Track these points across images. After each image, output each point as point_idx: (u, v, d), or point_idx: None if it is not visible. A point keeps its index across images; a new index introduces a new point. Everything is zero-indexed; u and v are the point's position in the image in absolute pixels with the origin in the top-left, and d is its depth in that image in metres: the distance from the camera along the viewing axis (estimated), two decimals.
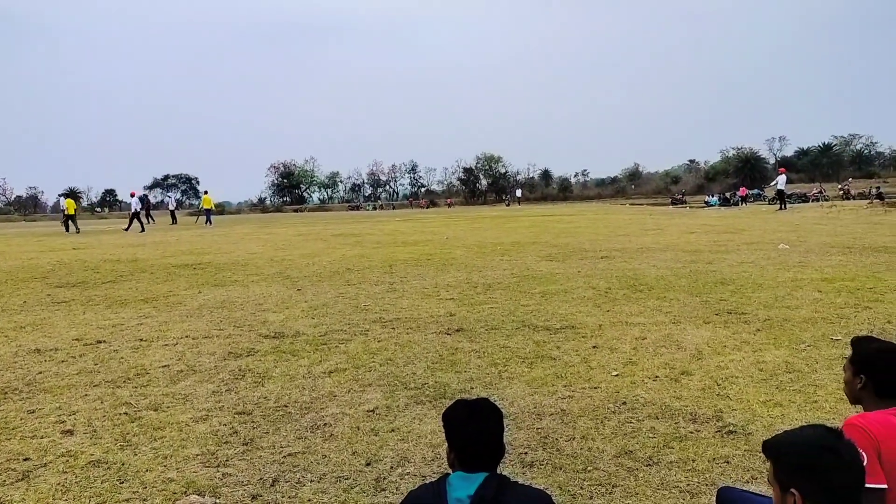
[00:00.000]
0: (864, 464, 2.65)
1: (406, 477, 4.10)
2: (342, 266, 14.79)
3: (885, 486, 2.65)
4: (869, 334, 3.21)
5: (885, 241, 16.45)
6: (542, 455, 4.32)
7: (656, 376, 5.92)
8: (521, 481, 3.87)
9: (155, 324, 8.81)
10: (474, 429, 2.34)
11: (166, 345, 7.62)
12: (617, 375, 5.99)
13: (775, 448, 2.01)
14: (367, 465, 4.33)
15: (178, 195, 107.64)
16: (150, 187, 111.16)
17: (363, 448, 4.59)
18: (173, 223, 42.52)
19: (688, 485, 3.83)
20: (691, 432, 4.61)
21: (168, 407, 5.52)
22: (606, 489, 3.82)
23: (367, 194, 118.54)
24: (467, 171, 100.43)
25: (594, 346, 6.98)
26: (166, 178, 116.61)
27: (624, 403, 5.24)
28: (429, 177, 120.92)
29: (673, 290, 10.16)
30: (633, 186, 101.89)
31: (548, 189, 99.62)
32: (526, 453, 4.37)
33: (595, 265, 13.50)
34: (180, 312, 9.59)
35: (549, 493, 2.64)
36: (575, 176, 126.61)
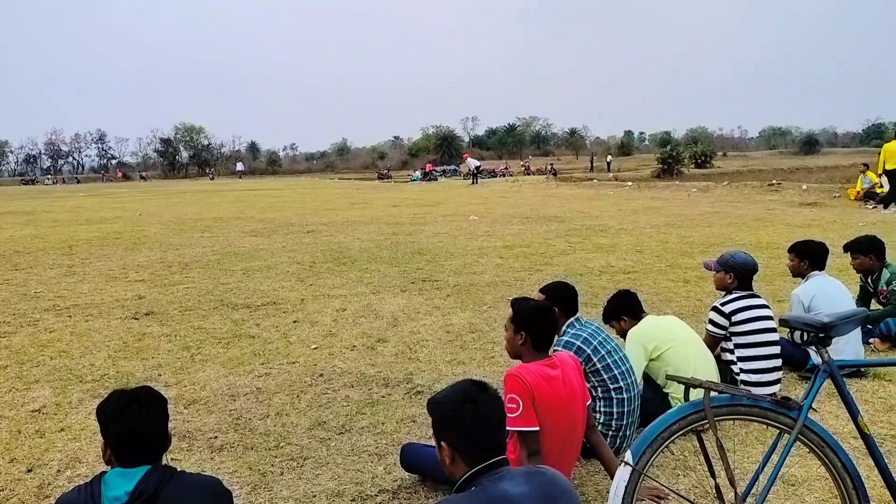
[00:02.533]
0: (519, 412, 2.96)
1: (76, 479, 3.66)
2: (9, 248, 12.85)
3: (537, 428, 2.98)
4: (526, 296, 3.56)
5: (556, 211, 18.77)
6: (233, 437, 4.16)
7: (354, 346, 6.05)
8: (207, 468, 3.71)
9: None
10: (132, 420, 2.13)
11: None
12: (316, 348, 6.00)
13: (430, 405, 2.13)
14: (29, 471, 3.79)
15: None
16: None
17: (24, 453, 4.02)
18: None
19: (377, 448, 3.96)
20: (383, 397, 4.79)
21: None
22: (298, 463, 3.79)
23: (45, 167, 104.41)
24: (165, 142, 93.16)
25: (295, 321, 6.93)
26: None
27: (321, 375, 5.27)
28: (121, 148, 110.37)
29: (375, 262, 10.50)
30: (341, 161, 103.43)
31: (256, 163, 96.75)
32: (216, 437, 4.17)
33: (301, 240, 13.44)
34: None
35: (220, 477, 2.51)
36: (284, 150, 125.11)
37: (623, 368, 3.68)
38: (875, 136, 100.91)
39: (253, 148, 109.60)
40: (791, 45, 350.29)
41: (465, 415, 1.98)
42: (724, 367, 4.50)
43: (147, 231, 15.67)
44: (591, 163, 62.10)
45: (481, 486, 1.89)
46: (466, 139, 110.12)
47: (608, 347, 3.69)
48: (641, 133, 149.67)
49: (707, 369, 4.15)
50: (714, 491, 2.44)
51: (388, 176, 58.67)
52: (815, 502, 3.22)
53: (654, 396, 4.09)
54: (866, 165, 20.18)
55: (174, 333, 6.57)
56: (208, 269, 10.09)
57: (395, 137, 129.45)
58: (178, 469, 2.24)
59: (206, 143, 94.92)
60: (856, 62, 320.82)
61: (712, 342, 4.50)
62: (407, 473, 3.59)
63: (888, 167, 16.49)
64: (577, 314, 3.83)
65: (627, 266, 9.77)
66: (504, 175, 51.22)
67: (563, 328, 3.74)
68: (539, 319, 3.19)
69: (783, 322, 2.52)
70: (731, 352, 4.47)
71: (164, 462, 2.24)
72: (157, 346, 6.15)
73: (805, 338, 2.44)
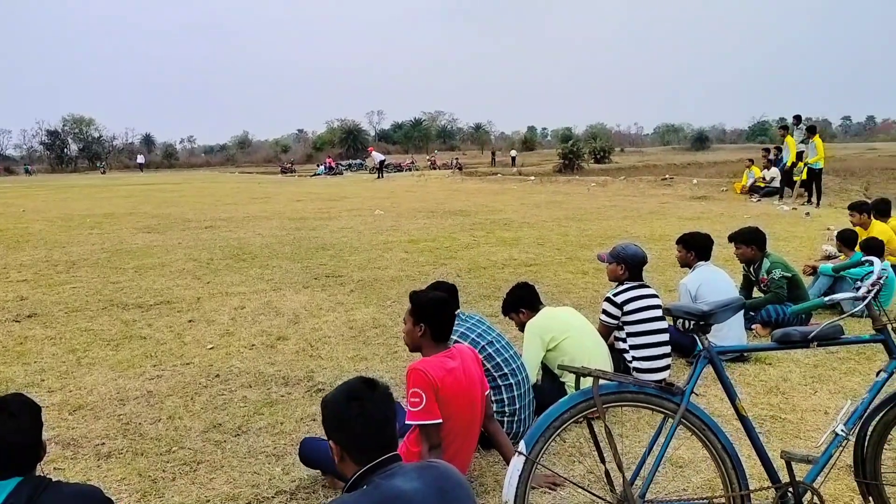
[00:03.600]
0: (422, 406, 2.95)
1: None
2: None
3: (440, 420, 2.99)
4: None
5: (461, 205, 18.92)
6: (121, 443, 3.96)
7: (253, 345, 5.89)
8: (93, 477, 3.52)
9: None
10: (1, 430, 1.99)
11: None
12: (212, 348, 5.81)
13: (321, 404, 2.09)
14: None
15: None
16: None
17: None
18: None
19: (275, 448, 3.87)
20: (282, 396, 4.69)
21: None
22: (191, 467, 3.65)
23: None
24: (52, 134, 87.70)
25: (190, 321, 6.68)
26: None
27: (217, 376, 5.10)
28: (3, 140, 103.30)
29: (276, 258, 10.26)
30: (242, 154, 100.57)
31: (151, 156, 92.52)
32: (103, 444, 3.96)
33: (198, 236, 12.97)
34: None
35: (107, 486, 2.39)
36: (181, 142, 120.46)
37: (506, 355, 3.78)
38: (760, 132, 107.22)
39: (148, 140, 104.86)
40: (682, 46, 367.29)
41: (351, 414, 1.95)
42: (617, 355, 4.66)
43: (31, 228, 14.74)
44: (493, 158, 62.77)
45: (373, 485, 1.87)
46: (372, 133, 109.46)
47: (489, 338, 3.78)
48: (544, 129, 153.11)
49: (601, 358, 4.28)
50: (604, 476, 2.51)
51: (291, 170, 57.55)
52: (700, 482, 3.37)
53: (551, 386, 4.19)
54: (751, 161, 21.40)
55: (59, 336, 6.20)
56: (97, 268, 9.58)
57: (299, 131, 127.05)
58: (56, 479, 2.11)
59: (96, 135, 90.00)
60: (743, 63, 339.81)
61: (606, 331, 4.65)
62: (306, 473, 3.53)
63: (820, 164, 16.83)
64: (459, 309, 3.90)
65: (529, 259, 9.97)
66: (410, 169, 51.25)
67: None
68: (438, 311, 3.19)
69: (666, 311, 2.62)
70: (624, 340, 4.63)
71: (38, 472, 2.11)
72: (40, 350, 5.79)
73: (687, 325, 2.54)
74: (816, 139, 16.62)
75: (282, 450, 3.85)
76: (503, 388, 3.76)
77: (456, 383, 3.07)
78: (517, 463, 2.40)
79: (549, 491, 3.31)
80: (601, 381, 2.45)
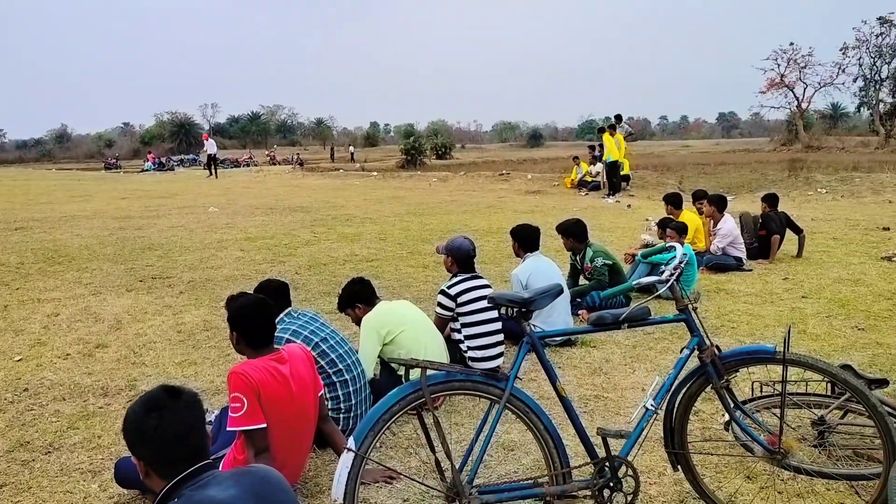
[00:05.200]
0: (244, 411, 2.83)
1: None
2: None
3: (264, 425, 2.88)
4: (243, 291, 3.40)
5: (302, 201, 18.53)
6: None
7: (68, 354, 5.41)
8: None
9: None
10: None
11: None
12: (20, 360, 5.28)
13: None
14: None
15: None
16: None
17: None
18: None
19: (91, 464, 3.57)
20: (100, 408, 4.34)
21: None
22: None
23: None
24: None
25: None
26: None
27: (26, 390, 4.64)
28: None
29: (97, 260, 9.51)
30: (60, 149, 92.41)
31: None
32: None
33: (7, 238, 11.74)
34: None
35: None
36: None
37: (341, 351, 3.75)
38: (588, 130, 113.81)
39: None
40: (519, 46, 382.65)
41: (150, 426, 1.81)
42: (454, 346, 4.75)
43: None
44: (332, 154, 61.74)
45: (184, 498, 1.75)
46: (206, 127, 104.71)
47: (322, 334, 3.75)
48: (387, 124, 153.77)
49: (437, 350, 4.34)
50: (434, 465, 2.53)
51: (116, 166, 53.79)
52: (530, 463, 3.50)
53: (389, 380, 4.18)
54: (577, 158, 22.67)
55: None
56: None
57: (124, 124, 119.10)
58: None
59: None
60: (573, 66, 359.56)
61: (441, 323, 4.72)
62: (125, 489, 3.28)
63: (612, 158, 18.15)
64: (291, 307, 3.81)
65: (371, 254, 9.94)
66: (248, 165, 49.52)
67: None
68: (248, 317, 3.05)
69: (490, 300, 2.69)
70: (459, 331, 4.72)
71: None
72: None
73: (510, 313, 2.61)
74: (606, 136, 18.01)
75: (99, 465, 3.56)
76: (338, 384, 3.71)
77: (283, 387, 2.97)
78: (346, 459, 2.36)
79: (385, 485, 3.30)
80: (430, 372, 2.46)
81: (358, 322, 4.41)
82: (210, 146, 35.03)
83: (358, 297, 4.43)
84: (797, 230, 9.18)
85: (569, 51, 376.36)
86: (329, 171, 34.98)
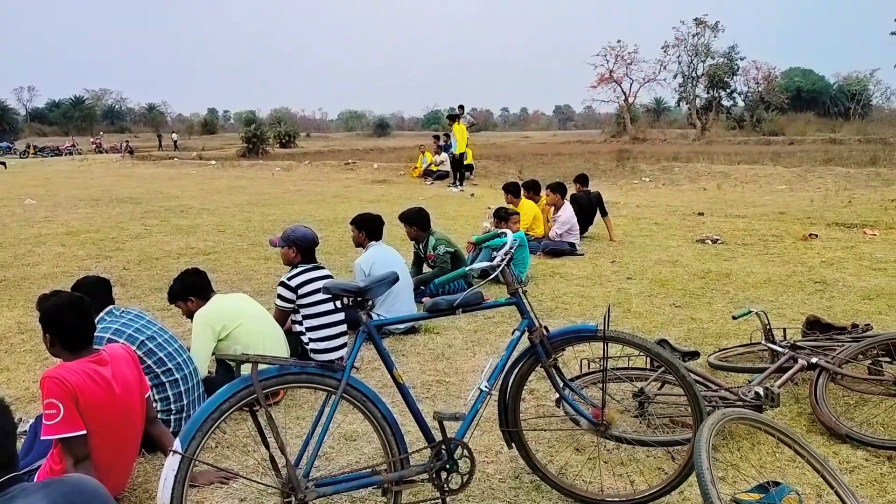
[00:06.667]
0: (60, 418, 2.61)
1: None
2: None
3: (83, 431, 2.67)
4: (56, 289, 3.12)
5: (131, 192, 17.39)
6: None
7: None
8: None
9: None
10: None
11: None
12: None
13: None
14: None
15: None
16: None
17: None
18: None
19: None
20: None
21: None
22: None
23: None
24: None
25: None
26: None
27: None
28: None
29: None
30: None
31: None
32: None
33: None
34: None
35: None
36: None
37: (170, 349, 3.57)
38: (434, 120, 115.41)
39: None
40: (364, 35, 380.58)
41: None
42: (295, 339, 4.65)
43: None
44: (160, 141, 57.87)
45: None
46: (23, 112, 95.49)
47: (149, 332, 3.54)
48: (226, 111, 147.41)
49: (277, 344, 4.23)
50: (269, 462, 2.47)
51: None
52: (372, 451, 3.51)
53: (225, 378, 4.00)
54: (423, 147, 22.94)
55: None
56: None
57: None
58: None
59: None
60: (419, 56, 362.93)
61: (282, 316, 4.61)
62: None
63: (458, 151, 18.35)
64: (113, 304, 3.58)
65: (208, 247, 9.52)
66: (71, 153, 45.74)
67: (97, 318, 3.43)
68: (61, 317, 2.80)
69: (325, 290, 2.65)
70: (301, 323, 4.63)
71: None
72: None
73: (346, 302, 2.59)
74: (457, 126, 18.34)
75: None
76: (168, 384, 3.52)
77: (104, 391, 2.77)
78: (172, 462, 2.24)
79: (221, 486, 3.18)
80: (262, 367, 2.39)
81: (190, 316, 4.20)
82: None
83: (191, 289, 4.22)
84: (604, 212, 9.87)
85: (415, 41, 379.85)
86: (163, 160, 33.11)
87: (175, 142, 55.02)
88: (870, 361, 4.15)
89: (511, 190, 9.30)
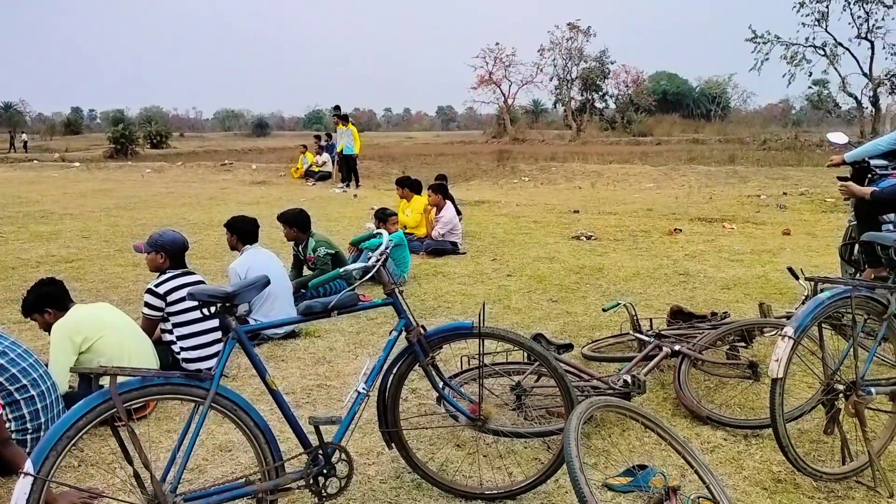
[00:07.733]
0: None
1: None
2: None
3: None
4: None
5: None
6: None
7: None
8: None
9: None
10: None
11: None
12: None
13: None
14: None
15: None
16: None
17: None
18: None
19: None
20: None
21: None
22: None
23: None
24: None
25: None
26: None
27: None
28: None
29: None
30: None
31: None
32: None
33: None
34: None
35: None
36: None
37: (24, 364, 3.34)
38: (315, 120, 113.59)
39: None
40: (244, 28, 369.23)
41: None
42: (165, 348, 4.44)
43: None
44: (12, 142, 53.21)
45: None
46: None
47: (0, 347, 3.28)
48: (92, 110, 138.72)
49: (144, 355, 4.04)
50: (134, 479, 2.34)
51: None
52: (248, 461, 3.40)
53: (87, 392, 3.74)
54: (305, 147, 22.54)
55: None
56: None
57: None
58: None
59: None
60: (300, 56, 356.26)
61: (150, 326, 4.39)
62: None
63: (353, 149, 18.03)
64: None
65: (71, 254, 8.92)
66: None
67: None
68: None
69: (190, 296, 2.54)
70: (171, 332, 4.43)
71: None
72: None
73: (213, 309, 2.50)
74: (351, 127, 18.22)
75: None
76: (22, 402, 3.27)
77: None
78: (23, 485, 2.08)
79: None
80: (122, 379, 2.26)
81: (48, 329, 3.92)
82: None
83: (47, 299, 3.94)
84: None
85: (296, 39, 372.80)
86: (20, 163, 30.82)
87: (25, 143, 50.69)
88: (727, 347, 4.45)
89: (406, 184, 9.35)
